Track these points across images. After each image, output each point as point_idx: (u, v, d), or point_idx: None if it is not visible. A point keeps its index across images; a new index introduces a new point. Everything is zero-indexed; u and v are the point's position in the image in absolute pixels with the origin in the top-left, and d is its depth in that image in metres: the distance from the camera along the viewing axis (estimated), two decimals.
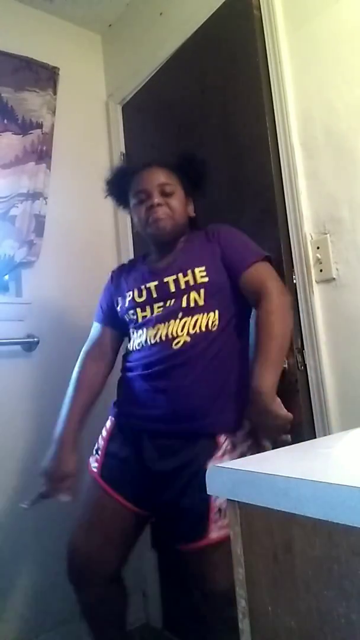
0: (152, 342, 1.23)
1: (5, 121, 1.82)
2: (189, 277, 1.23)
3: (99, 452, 1.30)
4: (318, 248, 1.35)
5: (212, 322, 1.20)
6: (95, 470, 1.28)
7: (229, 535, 1.04)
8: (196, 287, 1.22)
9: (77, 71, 2.12)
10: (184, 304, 1.22)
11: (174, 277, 1.25)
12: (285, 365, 1.38)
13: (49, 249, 1.87)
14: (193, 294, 1.22)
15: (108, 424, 1.32)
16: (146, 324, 1.26)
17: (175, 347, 1.19)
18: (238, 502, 0.66)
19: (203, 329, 1.19)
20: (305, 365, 1.36)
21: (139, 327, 1.29)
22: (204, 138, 1.70)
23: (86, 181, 2.07)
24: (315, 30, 1.36)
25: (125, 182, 1.36)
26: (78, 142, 2.08)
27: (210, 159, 1.67)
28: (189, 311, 1.21)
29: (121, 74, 2.13)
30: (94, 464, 1.29)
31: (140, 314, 1.28)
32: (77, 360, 1.52)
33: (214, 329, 1.20)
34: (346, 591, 0.54)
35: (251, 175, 1.53)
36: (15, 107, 1.85)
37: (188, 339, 1.19)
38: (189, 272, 1.24)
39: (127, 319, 1.34)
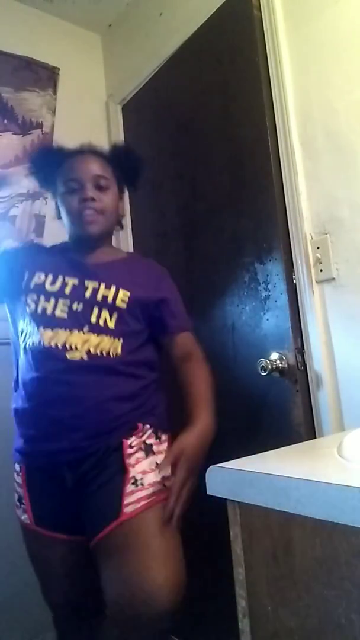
0: (45, 345, 1.11)
1: (5, 121, 1.82)
2: (110, 294, 1.15)
3: (24, 501, 1.17)
4: (318, 248, 1.34)
5: (114, 349, 1.13)
6: (28, 521, 1.17)
7: (149, 511, 1.03)
8: (111, 307, 1.15)
9: (77, 71, 2.11)
10: (93, 320, 1.13)
11: (96, 284, 1.16)
12: (285, 365, 1.38)
13: None
14: (104, 313, 1.14)
15: (17, 468, 1.20)
16: (43, 321, 1.13)
17: (69, 358, 1.10)
18: (238, 502, 0.66)
19: (104, 353, 1.12)
20: (305, 365, 1.36)
21: (34, 320, 1.14)
22: (204, 138, 1.70)
23: None
24: (315, 30, 1.36)
25: (52, 164, 1.23)
26: (78, 142, 2.07)
27: (210, 159, 1.68)
28: (96, 329, 1.13)
29: (121, 74, 2.12)
30: (23, 515, 1.18)
31: (41, 304, 1.14)
32: None
33: (115, 356, 1.13)
34: (346, 591, 0.54)
35: (251, 175, 1.53)
36: (15, 107, 1.85)
37: (85, 357, 1.11)
38: (113, 288, 1.16)
39: (23, 302, 1.18)
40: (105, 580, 1.04)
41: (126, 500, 1.05)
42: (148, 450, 1.12)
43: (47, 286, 1.16)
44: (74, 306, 1.14)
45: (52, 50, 2.01)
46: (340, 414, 1.30)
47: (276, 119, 1.44)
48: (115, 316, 1.15)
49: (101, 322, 1.13)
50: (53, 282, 1.16)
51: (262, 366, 1.39)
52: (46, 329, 1.12)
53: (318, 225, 1.36)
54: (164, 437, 1.19)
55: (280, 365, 1.39)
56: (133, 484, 1.06)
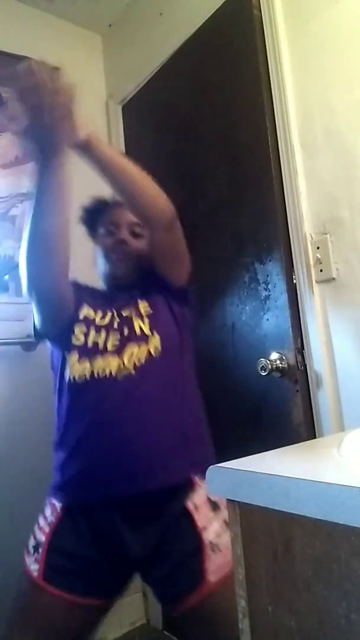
0: (99, 375, 1.09)
1: (6, 121, 1.82)
2: (141, 305, 1.19)
3: (39, 550, 1.06)
4: (318, 248, 1.34)
5: (155, 348, 1.12)
6: (35, 573, 1.04)
7: (229, 577, 0.93)
8: (139, 315, 1.17)
9: (77, 71, 2.10)
10: (136, 332, 1.14)
11: (130, 307, 1.20)
12: (285, 365, 1.39)
13: None
14: (137, 322, 1.16)
15: (48, 511, 1.10)
16: (94, 352, 1.12)
17: (119, 379, 1.08)
18: (238, 502, 0.66)
19: (144, 359, 1.10)
20: (305, 365, 1.36)
21: (82, 353, 1.13)
22: (204, 138, 1.70)
23: (86, 181, 2.07)
24: (315, 31, 1.36)
25: (99, 213, 1.32)
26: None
27: (210, 159, 1.68)
28: (136, 340, 1.13)
29: (121, 74, 2.13)
30: (33, 565, 1.05)
31: (92, 338, 1.14)
32: None
33: (157, 354, 1.12)
34: (346, 591, 0.54)
35: (251, 175, 1.53)
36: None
37: (132, 371, 1.09)
38: (138, 301, 1.20)
39: (68, 336, 1.16)
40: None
41: (209, 566, 1.00)
42: (214, 506, 1.05)
43: (97, 321, 1.17)
44: (123, 333, 1.14)
45: (52, 50, 2.01)
46: (340, 414, 1.30)
47: (276, 119, 1.44)
48: (147, 321, 1.16)
49: (138, 332, 1.14)
50: (103, 317, 1.18)
51: (262, 366, 1.39)
52: (96, 359, 1.11)
53: (318, 225, 1.36)
54: None
55: (280, 365, 1.39)
56: (212, 550, 1.01)
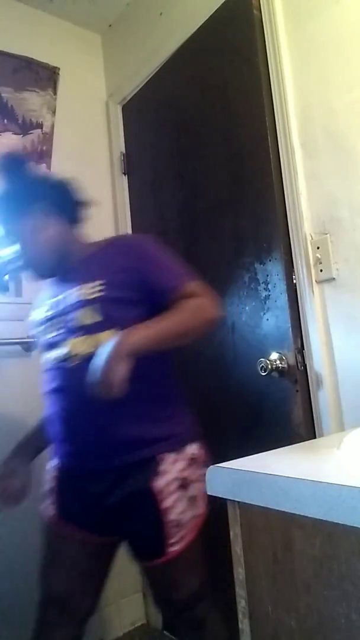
0: (55, 361, 1.15)
1: (6, 121, 1.82)
2: (85, 291, 1.13)
3: (52, 494, 1.20)
4: (318, 248, 1.34)
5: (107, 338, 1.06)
6: (52, 512, 1.18)
7: (189, 544, 1.07)
8: (91, 302, 1.11)
9: (77, 71, 2.12)
10: (83, 321, 1.11)
11: (75, 289, 1.15)
12: (285, 365, 1.38)
13: None
14: (89, 309, 1.11)
15: (53, 462, 1.23)
16: (53, 343, 1.17)
17: (72, 364, 1.10)
18: (238, 502, 0.66)
19: (93, 348, 1.06)
20: (305, 365, 1.36)
21: (48, 346, 1.19)
22: (204, 138, 1.70)
23: (86, 181, 2.07)
24: (315, 31, 1.36)
25: None
26: (78, 142, 2.08)
27: (210, 159, 1.68)
28: (89, 328, 1.10)
29: (121, 74, 2.12)
30: (49, 507, 1.19)
31: (48, 332, 1.19)
32: None
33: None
34: (346, 591, 0.54)
35: (251, 175, 1.53)
36: (16, 107, 1.85)
37: (86, 357, 1.07)
38: (86, 285, 1.14)
39: (36, 337, 1.26)
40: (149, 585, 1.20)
41: (171, 541, 1.07)
42: (185, 483, 1.09)
43: (46, 314, 1.22)
44: (70, 317, 1.14)
45: (52, 50, 2.01)
46: (340, 414, 1.30)
47: (276, 119, 1.44)
48: (98, 308, 1.11)
49: (88, 320, 1.11)
50: (49, 308, 1.22)
51: (262, 366, 1.39)
52: (54, 348, 1.17)
53: (318, 225, 1.36)
54: (194, 449, 1.13)
55: (280, 365, 1.39)
56: (175, 526, 1.07)
